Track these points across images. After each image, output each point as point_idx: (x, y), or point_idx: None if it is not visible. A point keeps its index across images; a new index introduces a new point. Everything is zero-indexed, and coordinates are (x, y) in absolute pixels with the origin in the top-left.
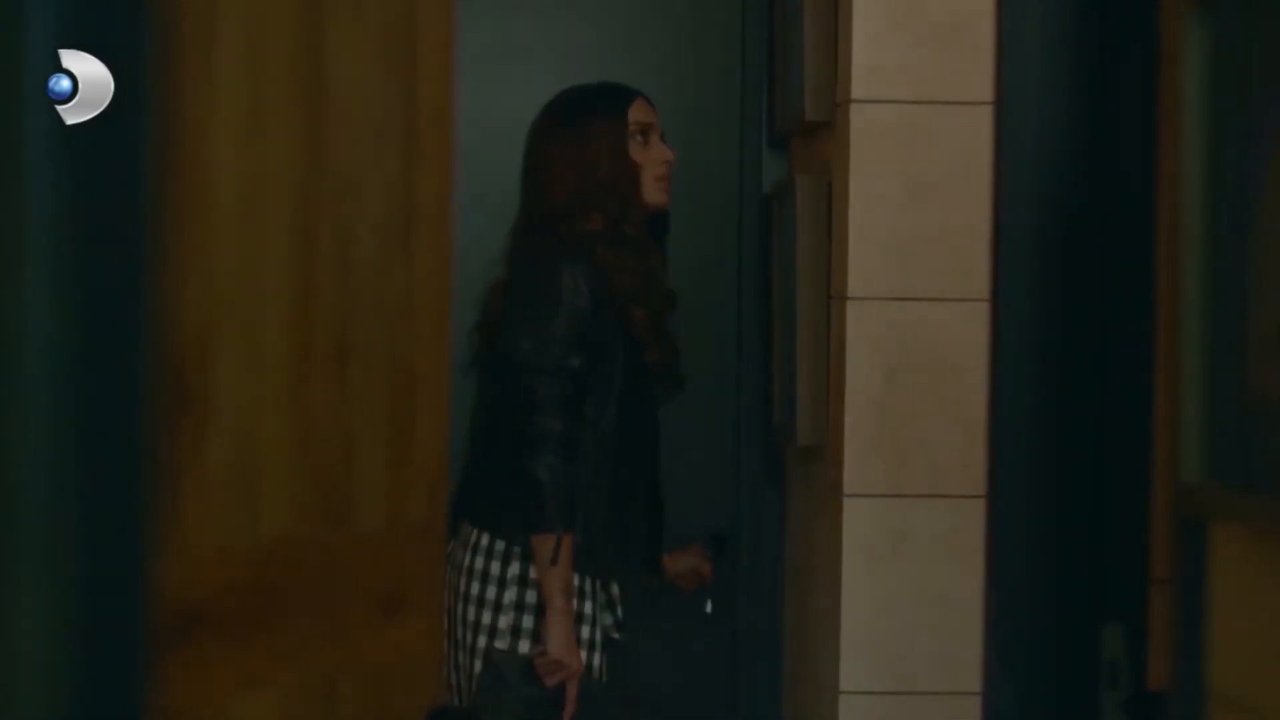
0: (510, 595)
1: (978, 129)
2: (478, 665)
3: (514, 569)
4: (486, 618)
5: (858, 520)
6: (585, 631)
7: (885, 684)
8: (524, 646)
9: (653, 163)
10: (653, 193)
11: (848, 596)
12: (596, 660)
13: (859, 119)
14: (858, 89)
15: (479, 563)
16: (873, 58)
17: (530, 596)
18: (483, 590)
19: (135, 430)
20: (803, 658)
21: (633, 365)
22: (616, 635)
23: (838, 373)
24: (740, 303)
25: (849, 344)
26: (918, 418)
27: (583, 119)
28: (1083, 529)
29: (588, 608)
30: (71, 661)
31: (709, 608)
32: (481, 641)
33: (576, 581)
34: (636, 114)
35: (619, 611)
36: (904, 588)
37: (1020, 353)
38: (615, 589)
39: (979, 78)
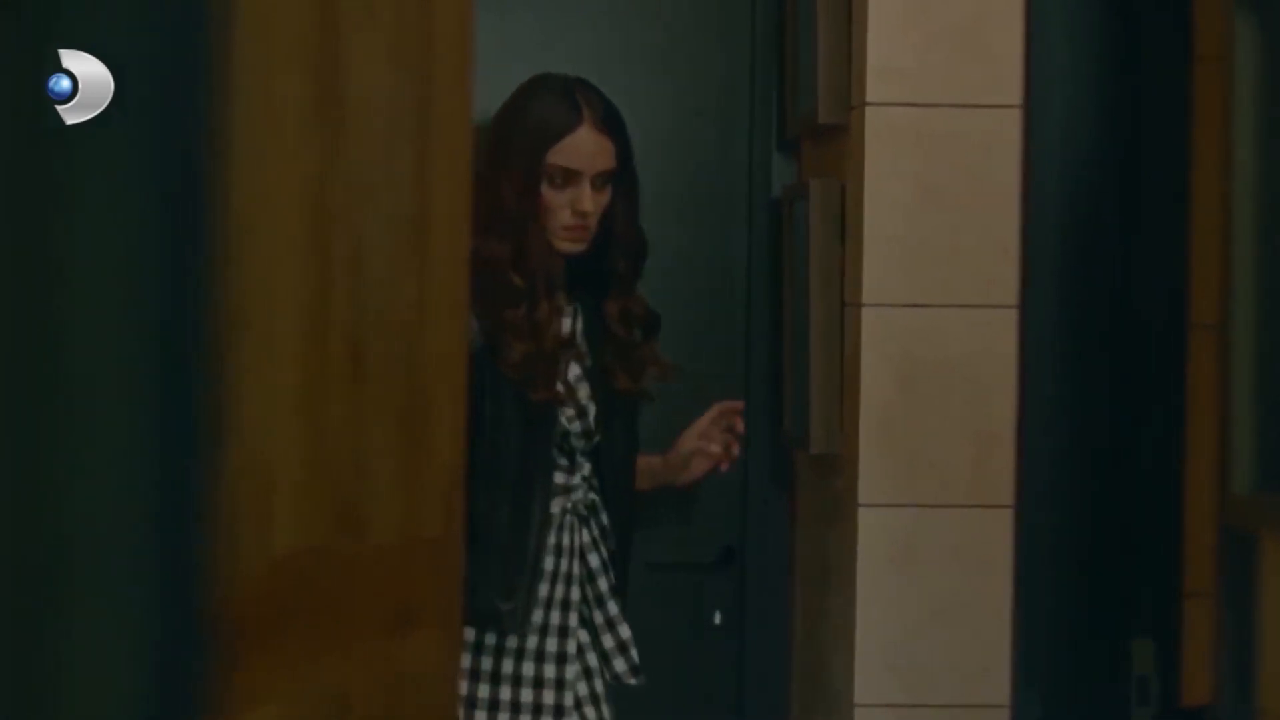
0: None
1: (997, 132)
2: None
3: None
4: None
5: (872, 530)
6: (468, 688)
7: (903, 696)
8: None
9: (561, 209)
10: (559, 241)
11: (862, 607)
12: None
13: (874, 122)
14: (873, 92)
15: None
16: (889, 59)
17: None
18: None
19: (191, 443)
20: (815, 670)
21: (517, 404)
22: (633, 681)
23: (851, 380)
24: (749, 307)
25: (863, 351)
26: (933, 426)
27: (507, 148)
28: (1113, 541)
29: (467, 661)
30: (146, 676)
31: (717, 619)
32: None
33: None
34: (561, 157)
35: (633, 655)
36: (921, 598)
37: (1049, 361)
38: (625, 631)
39: (998, 80)
